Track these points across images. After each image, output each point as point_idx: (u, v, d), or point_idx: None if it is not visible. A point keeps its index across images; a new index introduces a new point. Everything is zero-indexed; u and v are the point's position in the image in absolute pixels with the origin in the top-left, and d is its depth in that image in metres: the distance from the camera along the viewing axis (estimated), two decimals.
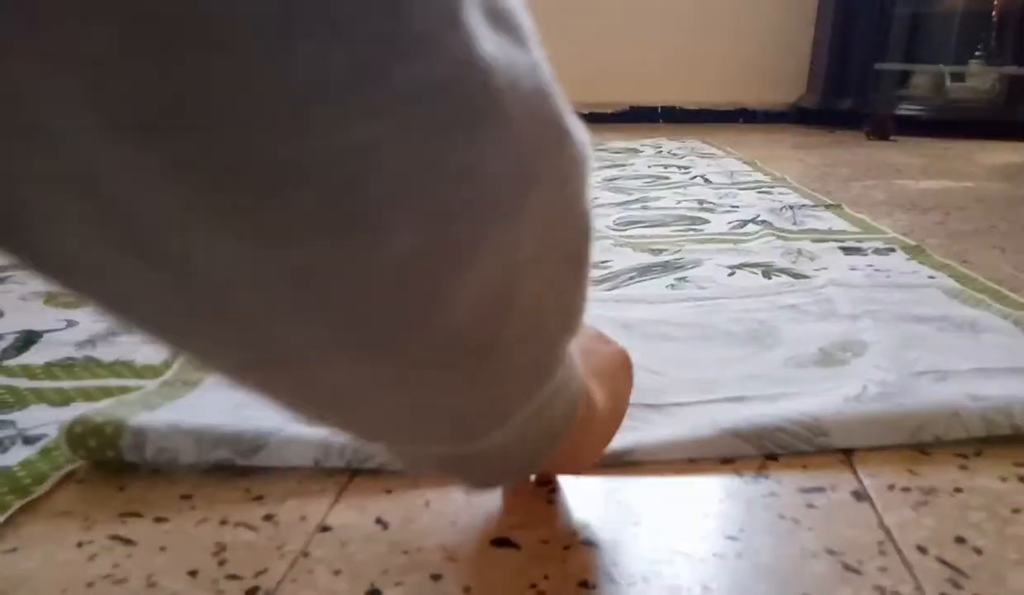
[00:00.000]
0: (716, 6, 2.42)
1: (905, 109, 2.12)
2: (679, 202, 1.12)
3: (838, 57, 2.31)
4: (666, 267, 0.76)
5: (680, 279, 0.72)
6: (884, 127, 1.98)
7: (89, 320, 0.60)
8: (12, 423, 0.44)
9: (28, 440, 0.42)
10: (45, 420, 0.44)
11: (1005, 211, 1.09)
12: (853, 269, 0.76)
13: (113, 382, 0.50)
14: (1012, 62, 2.08)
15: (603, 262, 0.78)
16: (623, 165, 1.48)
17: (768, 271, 0.76)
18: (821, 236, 0.90)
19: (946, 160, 1.62)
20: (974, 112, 2.10)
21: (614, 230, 0.94)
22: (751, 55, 2.45)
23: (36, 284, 0.58)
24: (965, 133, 1.97)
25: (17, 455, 0.40)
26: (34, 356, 0.54)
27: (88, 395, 0.47)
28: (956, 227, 0.99)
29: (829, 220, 0.99)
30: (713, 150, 1.70)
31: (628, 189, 1.22)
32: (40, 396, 0.47)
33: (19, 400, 0.47)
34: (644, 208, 1.07)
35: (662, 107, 2.49)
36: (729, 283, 0.72)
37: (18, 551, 0.33)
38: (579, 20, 2.37)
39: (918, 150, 1.77)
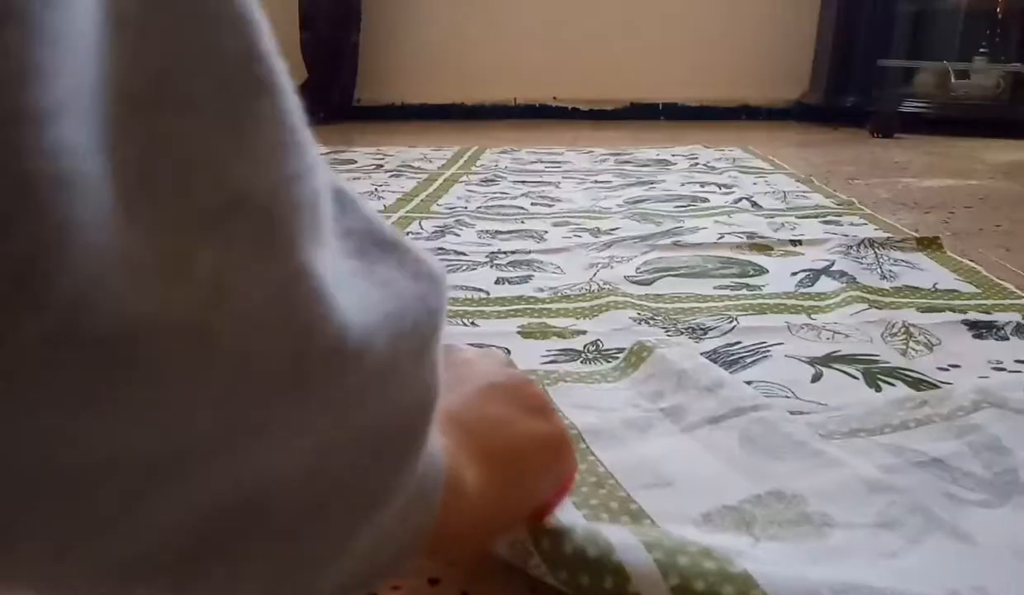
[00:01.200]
0: (718, 3, 2.41)
1: (909, 106, 2.11)
2: (722, 236, 0.88)
3: (841, 54, 2.30)
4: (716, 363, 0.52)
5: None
6: (888, 124, 1.97)
7: None
8: None
9: None
10: None
11: (1010, 210, 1.09)
12: (997, 367, 0.52)
13: None
14: (1017, 59, 2.08)
15: (613, 357, 0.53)
16: (651, 183, 1.25)
17: (871, 372, 0.51)
18: (929, 301, 0.65)
19: (950, 158, 1.61)
20: (979, 110, 2.09)
21: (635, 282, 0.71)
22: (754, 52, 2.44)
23: None
24: (969, 131, 1.96)
25: None
26: None
27: None
28: (961, 226, 0.98)
29: (928, 269, 0.75)
30: (760, 163, 1.46)
31: (656, 216, 0.99)
32: None
33: None
34: (676, 245, 0.84)
35: (663, 104, 2.48)
36: (816, 397, 0.47)
37: None
38: (580, 16, 2.37)
39: (922, 148, 1.76)
